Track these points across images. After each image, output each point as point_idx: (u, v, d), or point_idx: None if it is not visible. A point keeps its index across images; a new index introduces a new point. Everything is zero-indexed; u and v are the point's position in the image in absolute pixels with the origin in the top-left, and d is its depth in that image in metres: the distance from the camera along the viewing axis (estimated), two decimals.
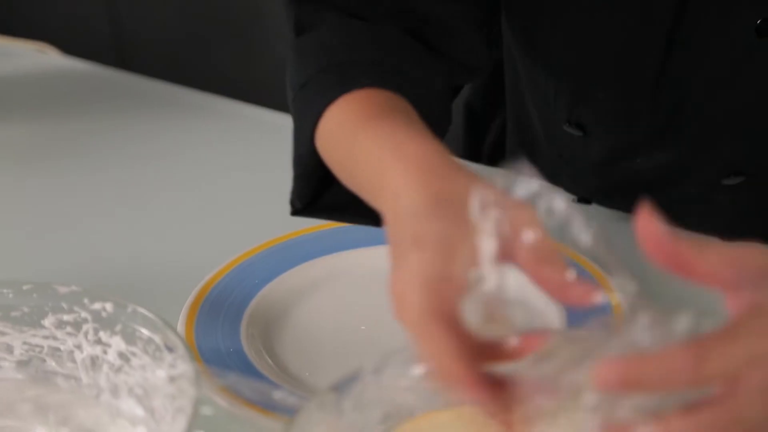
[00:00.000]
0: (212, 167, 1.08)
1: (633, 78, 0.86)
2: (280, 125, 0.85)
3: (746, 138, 0.85)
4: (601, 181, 0.94)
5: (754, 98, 0.83)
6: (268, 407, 0.70)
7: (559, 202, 0.55)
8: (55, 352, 0.73)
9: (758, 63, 0.81)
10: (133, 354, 0.70)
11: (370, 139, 0.64)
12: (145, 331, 0.69)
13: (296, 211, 0.79)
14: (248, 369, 0.75)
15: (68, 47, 1.52)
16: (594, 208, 0.97)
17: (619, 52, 0.86)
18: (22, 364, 0.74)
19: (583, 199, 0.97)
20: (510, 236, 0.55)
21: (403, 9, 0.80)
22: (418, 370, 0.57)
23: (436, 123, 0.73)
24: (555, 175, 0.99)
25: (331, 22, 0.79)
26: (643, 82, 0.85)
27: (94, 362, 0.72)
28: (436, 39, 0.81)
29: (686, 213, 0.92)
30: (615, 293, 0.64)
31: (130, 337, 0.70)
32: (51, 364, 0.73)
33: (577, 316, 0.80)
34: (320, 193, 0.76)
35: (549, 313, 0.75)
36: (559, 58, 0.89)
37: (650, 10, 0.82)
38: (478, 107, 1.13)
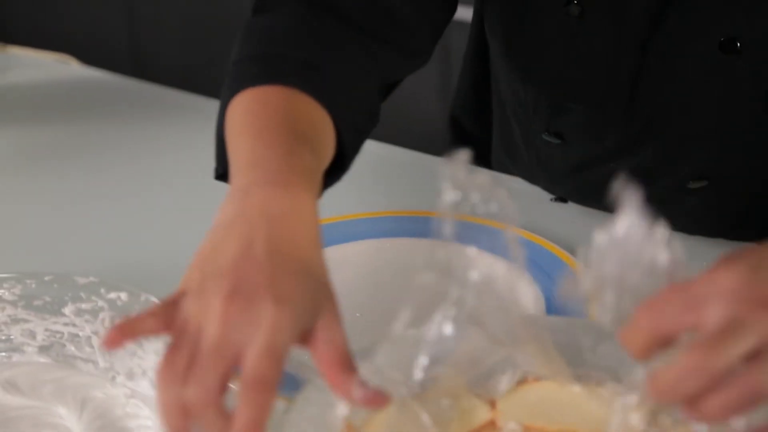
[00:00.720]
0: None
1: (608, 92, 0.86)
2: None
3: (710, 147, 0.85)
4: (576, 184, 0.94)
5: (718, 110, 0.83)
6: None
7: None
8: (74, 337, 0.73)
9: (722, 77, 0.81)
10: (146, 339, 0.70)
11: (258, 153, 0.63)
12: None
13: (219, 176, 0.78)
14: None
15: (88, 58, 1.51)
16: (570, 206, 0.96)
17: (594, 68, 0.85)
18: (44, 348, 0.74)
19: (560, 198, 0.97)
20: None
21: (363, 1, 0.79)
22: (405, 355, 0.57)
23: (350, 126, 0.73)
24: (533, 177, 0.98)
25: (286, 9, 0.77)
26: (617, 95, 0.85)
27: None
28: (388, 31, 0.80)
29: (655, 212, 0.92)
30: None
31: None
32: (71, 348, 0.73)
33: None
34: None
35: (525, 299, 0.75)
36: (538, 73, 0.89)
37: (623, 30, 0.82)
38: (463, 120, 1.13)
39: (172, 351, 0.54)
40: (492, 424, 0.60)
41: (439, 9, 0.84)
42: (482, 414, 0.60)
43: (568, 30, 0.84)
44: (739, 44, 0.78)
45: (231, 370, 0.54)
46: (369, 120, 0.78)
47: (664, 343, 0.51)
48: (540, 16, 0.86)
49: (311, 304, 0.55)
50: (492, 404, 0.61)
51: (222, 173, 0.78)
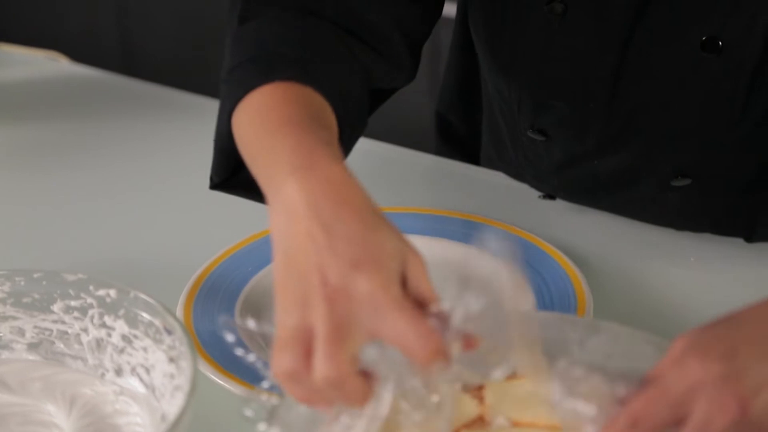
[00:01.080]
0: (209, 164, 1.07)
1: (589, 89, 0.86)
2: None
3: (691, 145, 0.85)
4: (563, 181, 0.94)
5: (699, 108, 0.83)
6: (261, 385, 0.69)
7: None
8: (63, 335, 0.72)
9: (702, 76, 0.81)
10: (135, 336, 0.69)
11: (278, 144, 0.62)
12: (146, 315, 0.68)
13: (214, 186, 0.77)
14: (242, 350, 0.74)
15: (79, 55, 1.50)
16: (558, 203, 0.96)
17: (576, 65, 0.85)
18: (33, 346, 0.73)
19: (548, 195, 0.97)
20: None
21: (343, 10, 0.79)
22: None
23: (348, 122, 0.73)
24: (520, 175, 0.98)
25: (271, 15, 0.77)
26: (599, 93, 0.85)
27: (99, 344, 0.71)
28: (368, 40, 0.80)
29: (642, 209, 0.92)
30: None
31: (132, 321, 0.69)
32: (60, 346, 0.73)
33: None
34: (237, 170, 0.75)
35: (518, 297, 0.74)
36: (521, 72, 0.89)
37: (605, 28, 0.82)
38: (450, 117, 1.13)
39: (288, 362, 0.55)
40: (481, 419, 0.60)
41: (413, 22, 0.84)
42: (471, 409, 0.60)
43: (551, 28, 0.84)
44: (720, 43, 0.78)
45: (357, 350, 0.54)
46: (360, 115, 0.78)
47: None
48: (522, 15, 0.86)
49: (391, 252, 0.55)
50: (480, 399, 0.60)
51: (218, 183, 0.78)
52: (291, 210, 0.58)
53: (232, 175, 0.77)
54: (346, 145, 0.74)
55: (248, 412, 0.57)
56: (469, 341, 0.55)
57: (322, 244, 0.55)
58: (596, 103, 0.86)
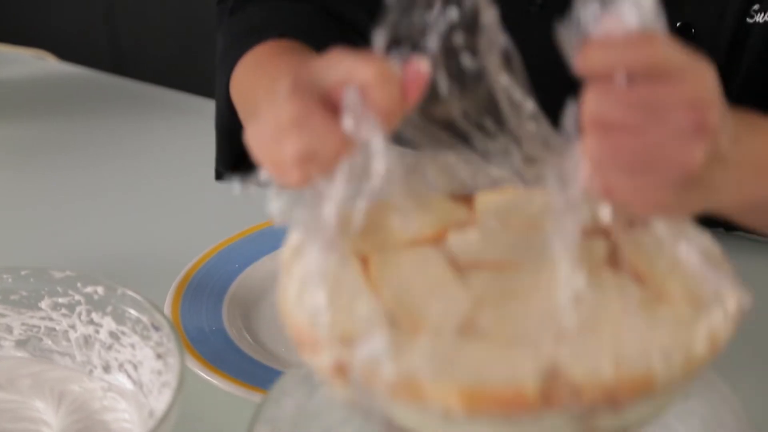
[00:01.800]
0: (196, 162, 1.07)
1: (568, 80, 0.86)
2: None
3: None
4: None
5: None
6: (248, 381, 0.69)
7: None
8: (51, 332, 0.72)
9: None
10: (123, 333, 0.69)
11: (269, 72, 0.64)
12: (133, 312, 0.68)
13: (219, 177, 0.77)
14: (229, 346, 0.74)
15: (65, 54, 1.50)
16: None
17: (554, 57, 0.85)
18: (21, 343, 0.73)
19: None
20: None
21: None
22: None
23: None
24: None
25: (260, 4, 0.79)
26: (577, 84, 0.85)
27: (87, 341, 0.71)
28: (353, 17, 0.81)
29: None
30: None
31: (120, 318, 0.69)
32: (48, 343, 0.72)
33: None
34: (239, 162, 0.75)
35: None
36: None
37: None
38: None
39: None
40: (471, 222, 0.57)
41: None
42: (460, 215, 0.57)
43: (529, 19, 0.84)
44: (693, 30, 0.79)
45: (318, 92, 0.50)
46: None
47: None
48: (500, 4, 0.86)
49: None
50: (470, 206, 0.58)
51: (223, 173, 0.78)
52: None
53: (236, 167, 0.77)
54: None
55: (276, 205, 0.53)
56: (414, 82, 0.51)
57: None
58: (575, 94, 0.86)
